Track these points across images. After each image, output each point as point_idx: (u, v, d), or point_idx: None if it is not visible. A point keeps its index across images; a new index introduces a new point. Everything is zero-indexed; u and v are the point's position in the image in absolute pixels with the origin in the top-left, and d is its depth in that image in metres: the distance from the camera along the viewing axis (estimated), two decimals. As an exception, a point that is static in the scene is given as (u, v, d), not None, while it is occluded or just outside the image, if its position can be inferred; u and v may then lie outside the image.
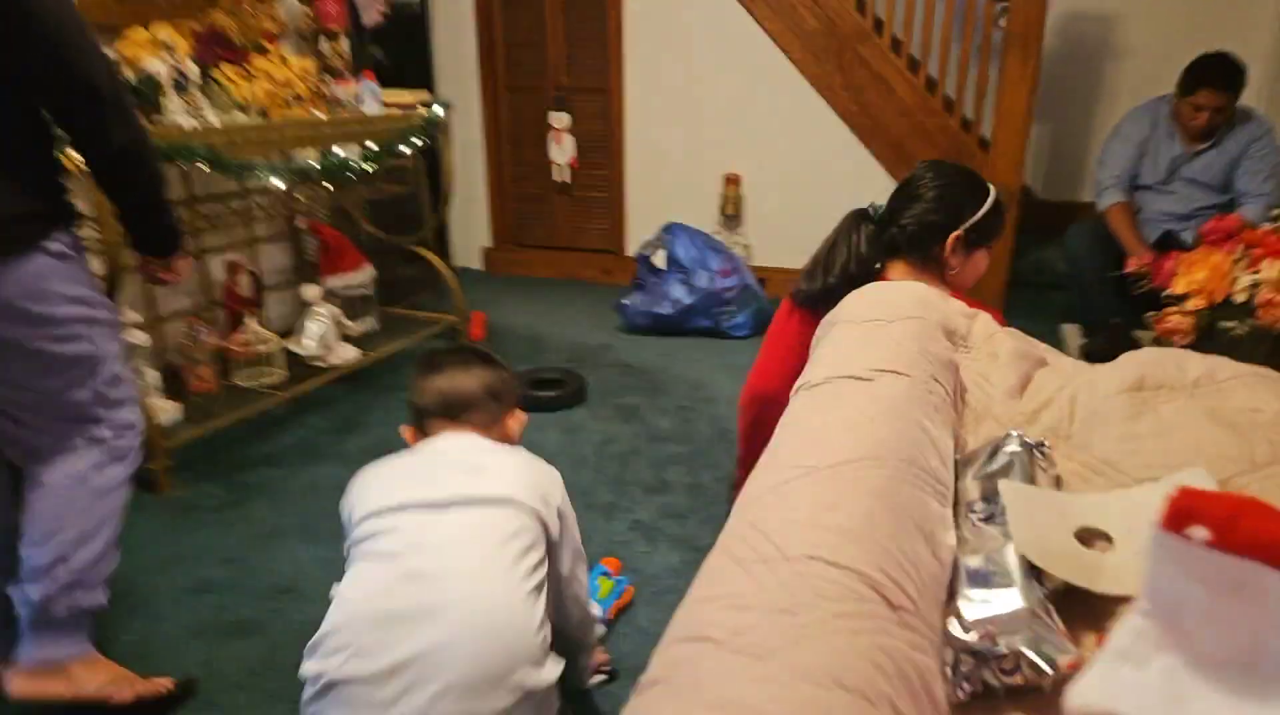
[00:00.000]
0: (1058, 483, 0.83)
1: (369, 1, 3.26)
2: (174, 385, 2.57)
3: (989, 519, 0.75)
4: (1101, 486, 0.78)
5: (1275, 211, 2.03)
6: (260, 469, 2.40)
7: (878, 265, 1.63)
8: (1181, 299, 1.81)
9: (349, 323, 2.97)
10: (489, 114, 4.45)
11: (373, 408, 2.81)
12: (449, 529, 1.20)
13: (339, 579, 1.25)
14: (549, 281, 4.46)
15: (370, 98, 2.82)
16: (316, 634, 1.18)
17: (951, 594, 0.65)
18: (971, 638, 0.61)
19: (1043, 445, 0.86)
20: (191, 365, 2.55)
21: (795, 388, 0.64)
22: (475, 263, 4.72)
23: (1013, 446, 0.87)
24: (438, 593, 1.13)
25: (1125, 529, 0.69)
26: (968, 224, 1.59)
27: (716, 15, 3.80)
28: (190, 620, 1.75)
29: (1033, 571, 0.69)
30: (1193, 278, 1.76)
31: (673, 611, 1.70)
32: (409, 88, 3.12)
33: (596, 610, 1.49)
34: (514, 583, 1.16)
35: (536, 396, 2.76)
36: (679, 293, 3.38)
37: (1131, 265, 2.40)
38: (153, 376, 2.38)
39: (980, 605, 0.64)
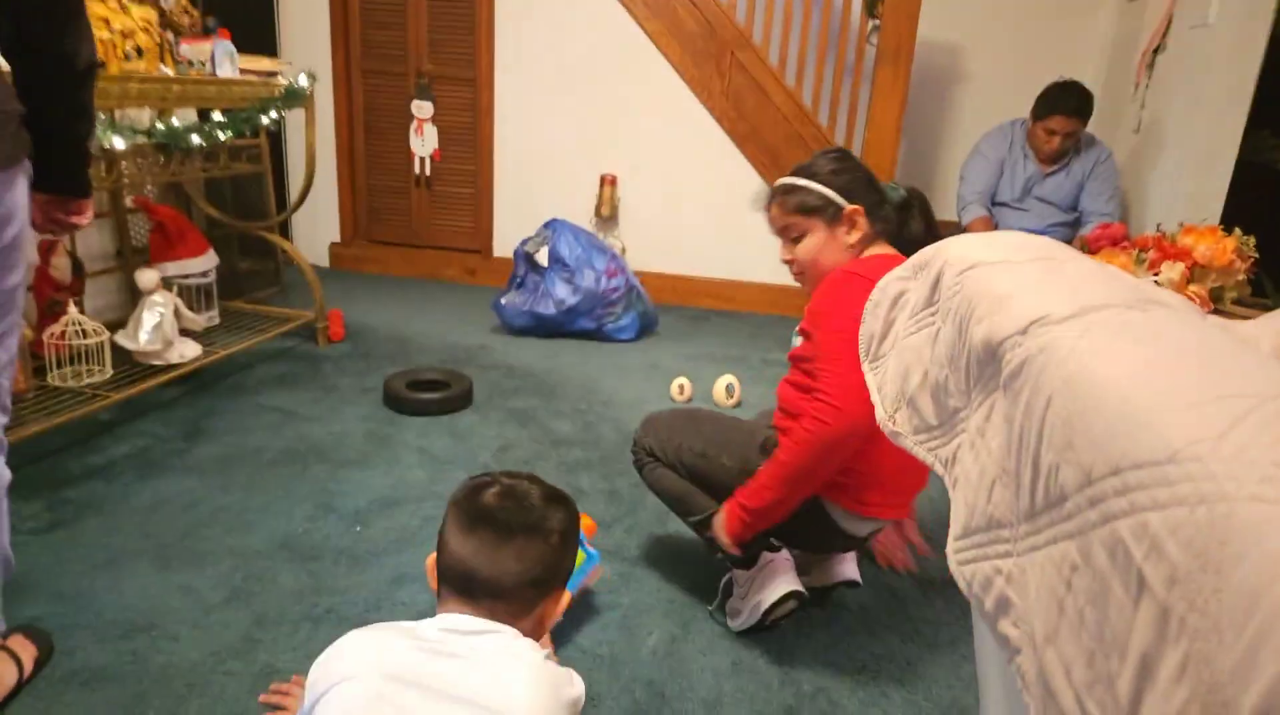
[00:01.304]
0: None
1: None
2: (-31, 384, 2.11)
3: None
4: None
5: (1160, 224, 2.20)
6: (89, 483, 2.00)
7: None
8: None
9: (190, 314, 2.58)
10: (341, 97, 4.10)
11: (221, 412, 2.45)
12: None
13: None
14: (407, 280, 4.16)
15: (226, 60, 2.47)
16: None
17: None
18: None
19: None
20: (-5, 360, 2.10)
21: (1024, 327, 0.53)
22: (320, 259, 4.33)
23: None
24: None
25: None
26: None
27: (594, 11, 3.71)
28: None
29: None
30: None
31: (614, 631, 1.57)
32: (247, 53, 2.77)
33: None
34: None
35: (421, 398, 2.51)
36: (563, 292, 3.23)
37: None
38: (-54, 372, 1.92)
39: None
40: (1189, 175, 2.95)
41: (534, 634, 1.03)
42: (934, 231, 1.54)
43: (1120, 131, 3.54)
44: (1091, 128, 3.14)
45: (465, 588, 1.01)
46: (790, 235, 1.53)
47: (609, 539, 1.90)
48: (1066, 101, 3.02)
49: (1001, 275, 0.64)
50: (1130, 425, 0.39)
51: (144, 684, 1.38)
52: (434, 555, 1.07)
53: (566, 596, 1.11)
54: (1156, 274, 1.78)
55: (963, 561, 0.64)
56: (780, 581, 1.55)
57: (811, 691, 1.47)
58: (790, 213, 1.52)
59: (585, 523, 1.60)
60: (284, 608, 1.59)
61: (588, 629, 1.59)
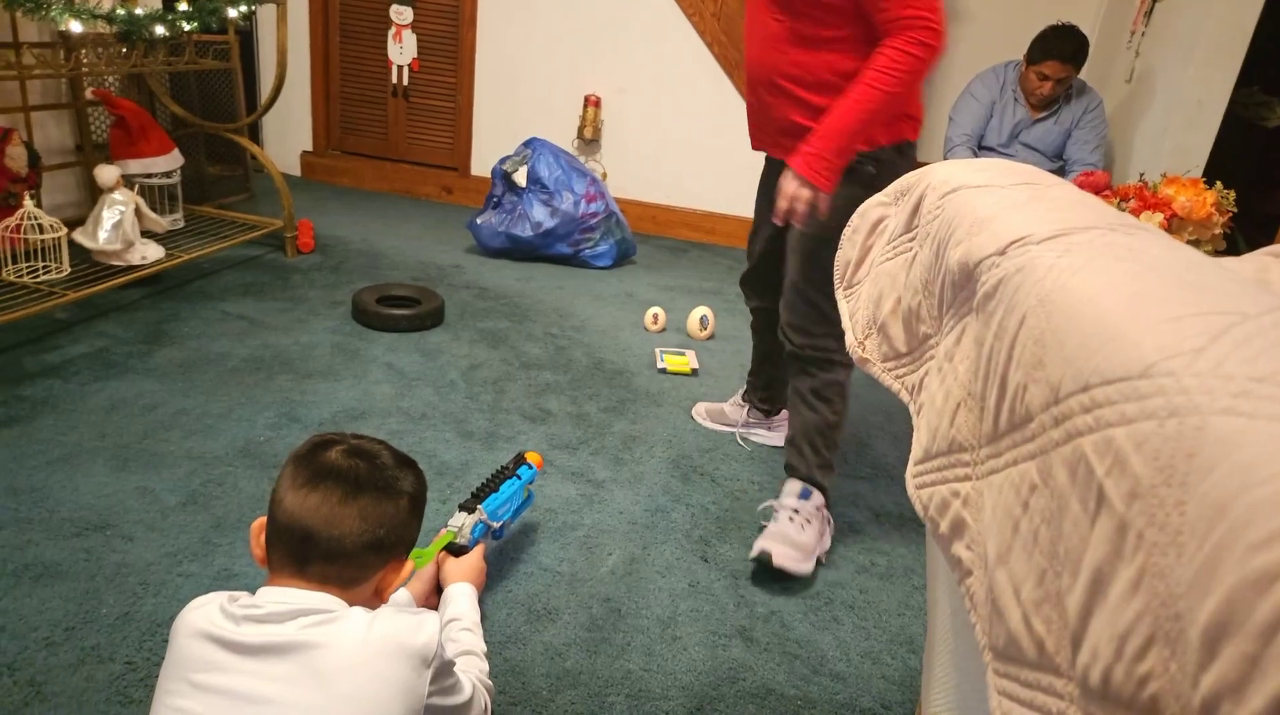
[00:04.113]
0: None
1: None
2: (-82, 274, 2.04)
3: None
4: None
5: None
6: (44, 381, 1.96)
7: None
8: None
9: (153, 215, 2.50)
10: (317, -3, 3.91)
11: (183, 317, 2.39)
12: None
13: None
14: (381, 195, 4.05)
15: (192, -57, 2.33)
16: None
17: None
18: None
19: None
20: (-56, 250, 2.02)
21: (1002, 248, 0.52)
22: (291, 168, 4.20)
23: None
24: None
25: None
26: None
27: (586, -80, 3.55)
28: (-32, 564, 1.37)
29: None
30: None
31: (575, 550, 1.59)
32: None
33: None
34: None
35: (391, 314, 2.47)
36: (540, 215, 3.16)
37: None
38: (-109, 259, 1.86)
39: None
40: (1176, 127, 2.93)
41: (368, 604, 0.96)
42: None
43: (1112, 79, 3.49)
44: (1084, 74, 3.10)
45: (298, 553, 0.92)
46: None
47: (574, 461, 1.91)
48: (1062, 46, 2.96)
49: (984, 198, 0.62)
50: (1104, 340, 0.38)
51: (97, 581, 1.38)
52: (261, 519, 0.98)
53: (409, 567, 1.03)
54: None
55: (921, 485, 0.64)
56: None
57: (765, 614, 1.50)
58: None
59: (533, 457, 1.60)
60: (243, 513, 1.58)
61: (549, 546, 1.61)
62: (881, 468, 2.05)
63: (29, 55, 2.31)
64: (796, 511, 1.63)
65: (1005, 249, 0.53)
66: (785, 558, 1.54)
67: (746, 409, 2.12)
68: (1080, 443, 0.37)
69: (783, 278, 1.70)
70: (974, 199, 0.62)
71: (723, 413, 2.15)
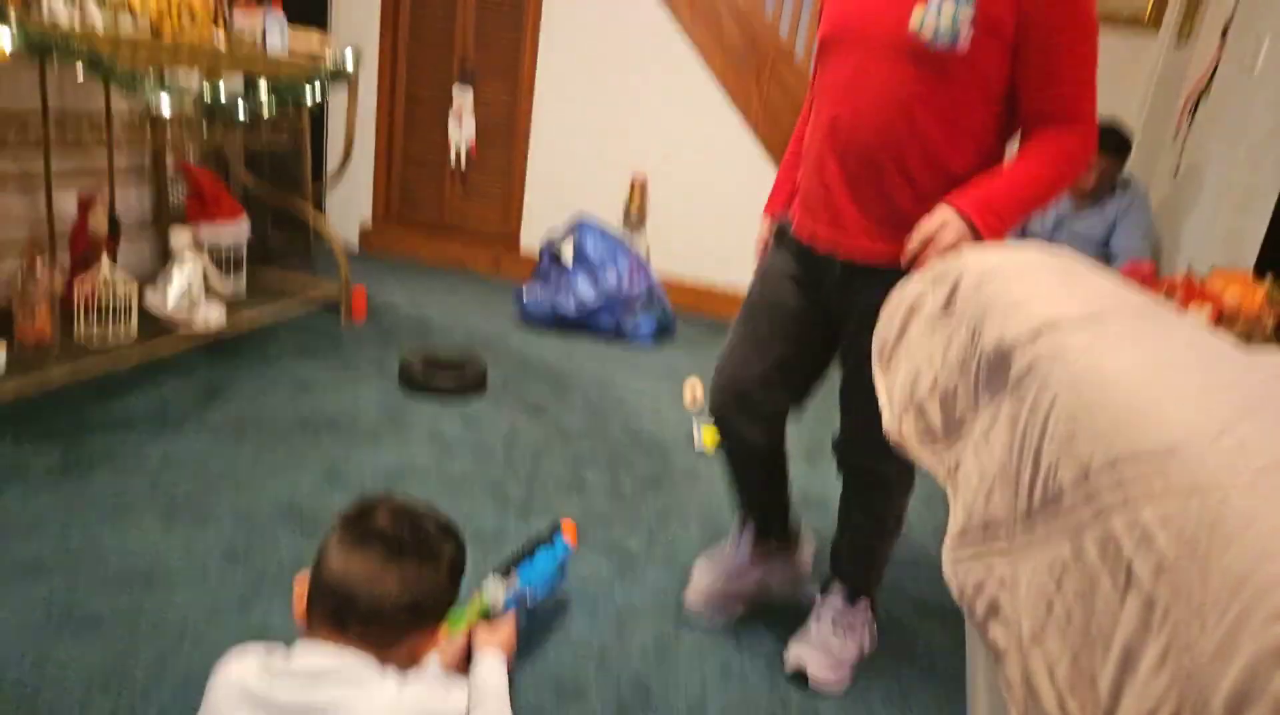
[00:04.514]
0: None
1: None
2: (1, 328, 2.15)
3: None
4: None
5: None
6: (105, 434, 2.03)
7: None
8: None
9: (218, 279, 2.61)
10: (384, 77, 4.14)
11: (239, 377, 2.48)
12: None
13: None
14: (434, 268, 4.19)
15: (276, 31, 2.51)
16: None
17: None
18: None
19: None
20: (25, 305, 2.14)
21: (1034, 333, 0.54)
22: (350, 237, 4.37)
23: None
24: None
25: None
26: None
27: (641, 14, 3.73)
28: (17, 609, 1.41)
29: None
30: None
31: (606, 626, 1.57)
32: (299, 25, 2.81)
33: None
34: None
35: (436, 380, 2.53)
36: (584, 289, 3.24)
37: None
38: (-24, 313, 1.97)
39: None
40: (1224, 219, 2.92)
41: (402, 667, 0.98)
42: None
43: (1158, 175, 3.51)
44: (1130, 169, 3.12)
45: (338, 612, 0.94)
46: None
47: (608, 533, 1.90)
48: (1105, 139, 2.99)
49: (1017, 283, 0.64)
50: (1132, 418, 0.39)
51: (137, 633, 1.40)
52: (303, 574, 1.00)
53: (443, 632, 1.05)
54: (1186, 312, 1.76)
55: (957, 564, 0.64)
56: None
57: (799, 705, 1.46)
58: None
59: (569, 526, 1.60)
60: (281, 572, 1.61)
61: (579, 620, 1.59)
62: (923, 558, 2.01)
63: (120, 127, 2.48)
64: (840, 616, 1.54)
65: (1038, 332, 0.55)
66: (822, 670, 1.48)
67: (760, 568, 1.68)
68: (1110, 520, 0.38)
69: (788, 403, 1.49)
70: (1008, 283, 0.64)
71: (727, 580, 1.66)
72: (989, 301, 0.66)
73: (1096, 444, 0.42)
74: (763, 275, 1.48)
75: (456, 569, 1.05)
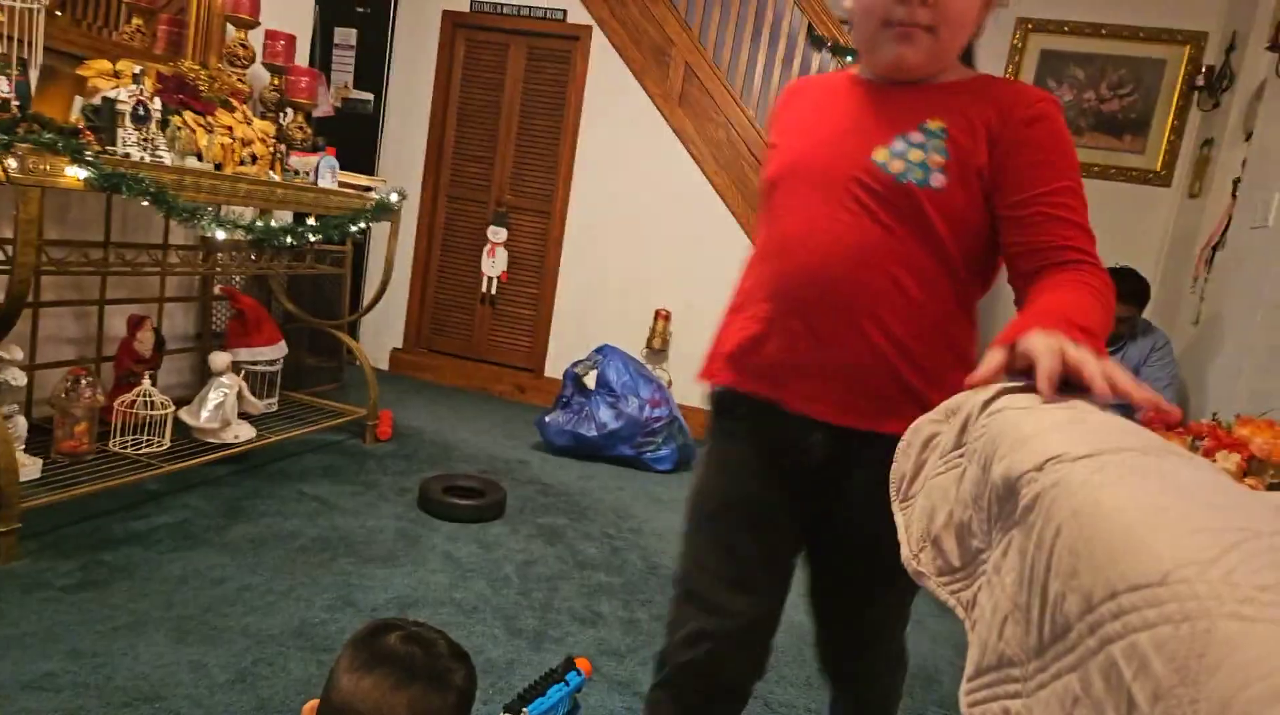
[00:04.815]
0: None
1: (323, 95, 3.20)
2: (40, 439, 2.22)
3: None
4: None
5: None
6: (126, 548, 2.04)
7: None
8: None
9: (252, 398, 2.69)
10: (424, 216, 4.38)
11: (262, 494, 2.50)
12: None
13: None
14: (459, 391, 4.27)
15: (328, 173, 2.70)
16: None
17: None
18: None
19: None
20: (66, 420, 2.21)
21: (1040, 464, 0.56)
22: (380, 362, 4.49)
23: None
24: None
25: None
26: None
27: (666, 161, 3.96)
28: (20, 725, 1.39)
29: None
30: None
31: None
32: (349, 170, 3.02)
33: None
34: None
35: (455, 504, 2.54)
36: (606, 416, 3.28)
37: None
38: (22, 425, 2.04)
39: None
40: (1250, 371, 2.93)
41: None
42: None
43: (1179, 323, 3.55)
44: (1151, 317, 3.16)
45: None
46: None
47: (622, 669, 1.85)
48: (1122, 284, 3.06)
49: (1026, 418, 0.66)
50: (1128, 549, 0.41)
51: (139, 755, 1.37)
52: (313, 703, 0.98)
53: None
54: (1213, 462, 1.75)
55: (973, 704, 0.63)
56: None
57: None
58: None
59: (582, 663, 1.56)
60: (288, 696, 1.57)
61: (590, 759, 1.53)
62: (950, 705, 1.92)
63: (174, 256, 2.63)
64: None
65: (1043, 465, 0.56)
66: None
67: None
68: (1111, 649, 0.39)
69: (769, 645, 1.16)
70: (1017, 418, 0.66)
71: None
72: (997, 435, 0.68)
73: (1097, 576, 0.43)
74: (719, 464, 1.17)
75: (467, 698, 1.03)
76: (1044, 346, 0.77)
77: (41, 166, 1.78)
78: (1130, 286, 3.05)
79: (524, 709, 1.41)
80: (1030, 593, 0.52)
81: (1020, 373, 0.79)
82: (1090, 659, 0.41)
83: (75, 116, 1.95)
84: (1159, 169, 4.10)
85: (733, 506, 1.14)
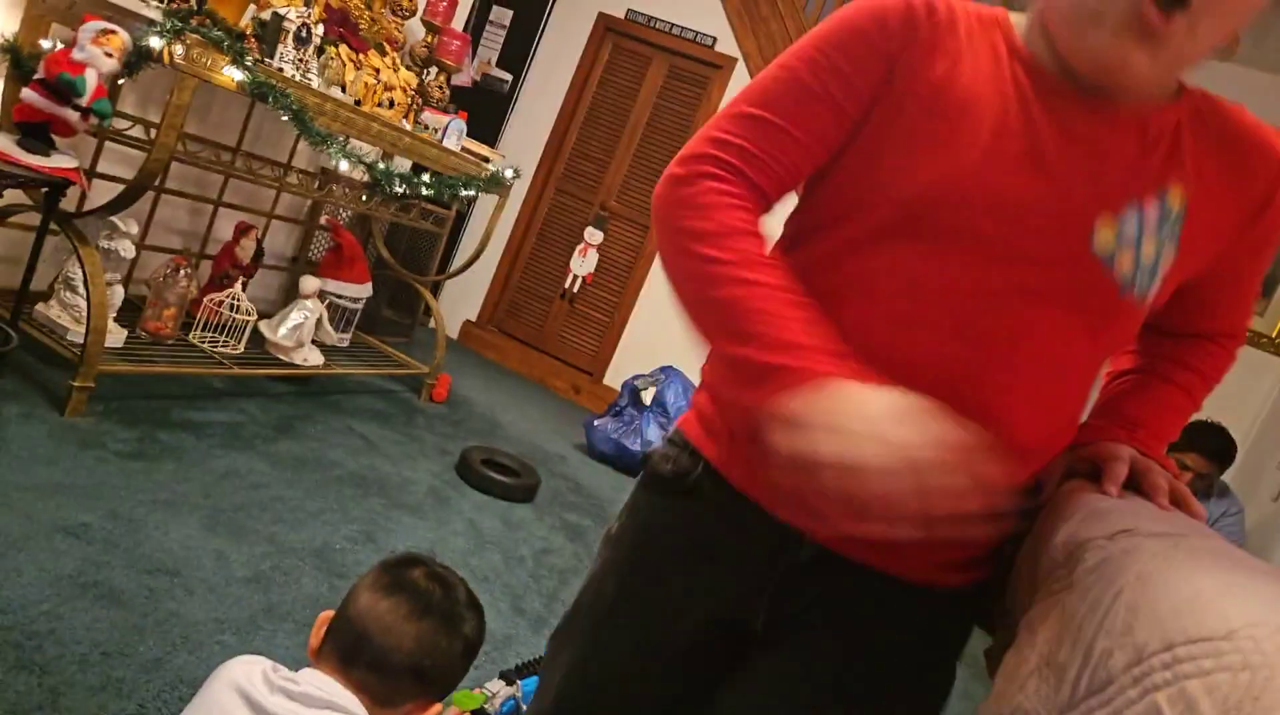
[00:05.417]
0: None
1: (468, 63, 3.32)
2: (129, 314, 2.33)
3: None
4: None
5: None
6: (181, 433, 2.13)
7: None
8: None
9: (329, 328, 2.78)
10: (530, 201, 4.48)
11: (313, 420, 2.58)
12: None
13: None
14: (518, 377, 4.33)
15: (455, 135, 2.79)
16: None
17: None
18: None
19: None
20: (158, 302, 2.32)
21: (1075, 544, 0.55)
22: (452, 330, 4.58)
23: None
24: None
25: None
26: None
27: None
28: (48, 565, 1.46)
29: None
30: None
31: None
32: (474, 138, 3.11)
33: None
34: None
35: (490, 477, 2.57)
36: (653, 435, 3.28)
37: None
38: (119, 295, 2.16)
39: None
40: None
41: None
42: None
43: (1259, 496, 3.39)
44: (1230, 482, 3.03)
45: (349, 651, 0.94)
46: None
47: (614, 674, 1.84)
48: (1207, 441, 2.94)
49: (1101, 499, 0.65)
50: (1195, 608, 0.40)
51: (147, 621, 1.42)
52: (328, 612, 1.00)
53: (436, 709, 1.02)
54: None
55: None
56: None
57: None
58: None
59: None
60: (294, 606, 1.61)
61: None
62: None
63: (293, 177, 2.75)
64: None
65: (1114, 535, 0.56)
66: None
67: None
68: (1155, 696, 0.38)
69: None
70: (1095, 498, 0.66)
71: None
72: (1062, 507, 0.67)
73: (1154, 631, 0.42)
74: (635, 555, 0.86)
75: (472, 647, 1.05)
76: (1118, 472, 0.68)
77: (204, 60, 1.89)
78: (1217, 444, 2.93)
79: (518, 682, 1.42)
80: (1073, 650, 0.51)
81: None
82: (1127, 708, 0.40)
83: (245, 22, 2.06)
84: (1274, 335, 3.95)
85: (647, 623, 0.83)
